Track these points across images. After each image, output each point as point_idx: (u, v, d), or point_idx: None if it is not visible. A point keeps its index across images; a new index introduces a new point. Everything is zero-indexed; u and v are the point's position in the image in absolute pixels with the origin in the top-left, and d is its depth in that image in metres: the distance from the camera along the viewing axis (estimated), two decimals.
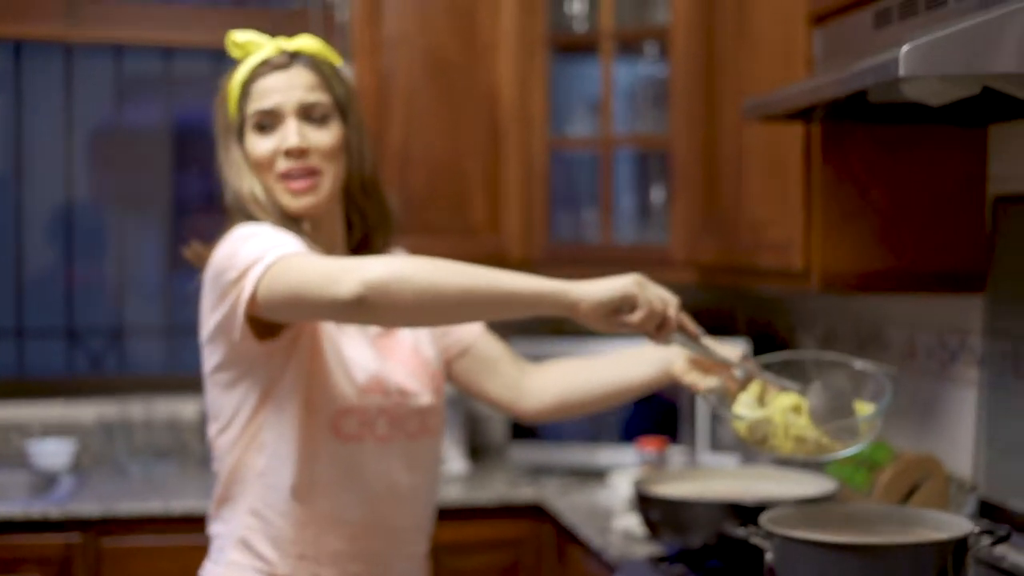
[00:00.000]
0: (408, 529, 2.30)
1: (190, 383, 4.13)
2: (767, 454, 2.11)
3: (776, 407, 2.09)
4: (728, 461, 3.46)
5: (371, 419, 2.21)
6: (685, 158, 3.59)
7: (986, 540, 1.94)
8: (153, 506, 3.44)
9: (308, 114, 2.20)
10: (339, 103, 2.25)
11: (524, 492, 3.61)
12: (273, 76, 2.20)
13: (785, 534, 1.96)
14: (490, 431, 4.18)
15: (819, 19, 2.68)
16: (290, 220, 2.20)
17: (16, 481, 3.85)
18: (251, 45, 2.25)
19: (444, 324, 2.15)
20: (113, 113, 4.34)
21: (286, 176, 2.19)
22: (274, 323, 2.09)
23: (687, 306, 4.21)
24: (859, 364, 2.15)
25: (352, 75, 3.89)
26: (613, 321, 1.92)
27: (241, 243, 2.07)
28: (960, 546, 1.90)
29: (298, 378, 2.15)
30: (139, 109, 4.39)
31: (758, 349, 3.73)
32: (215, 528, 2.29)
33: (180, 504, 3.45)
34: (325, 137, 2.21)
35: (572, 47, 3.98)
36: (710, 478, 2.67)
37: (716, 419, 3.55)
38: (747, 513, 2.28)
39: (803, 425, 2.04)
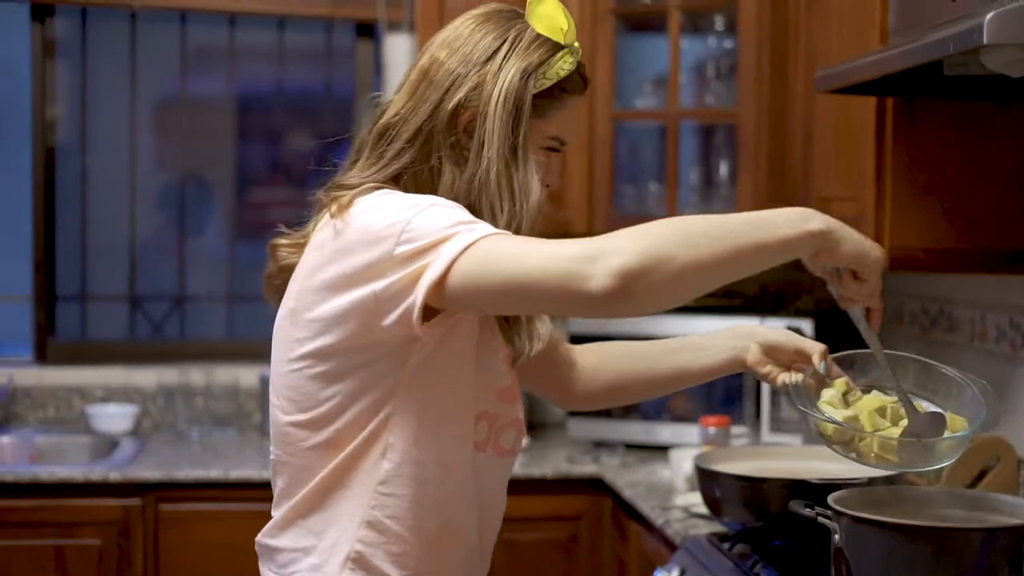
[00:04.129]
0: (492, 548, 2.00)
1: (251, 350, 4.16)
2: (850, 458, 1.93)
3: (862, 407, 1.93)
4: (792, 442, 3.41)
5: (498, 429, 1.90)
6: (752, 131, 3.54)
7: None
8: (212, 472, 3.45)
9: None
10: None
11: (584, 467, 3.58)
12: (578, 100, 1.90)
13: (853, 514, 1.91)
14: (548, 406, 4.14)
15: None
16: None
17: (77, 444, 3.88)
18: (570, 33, 1.88)
19: (687, 301, 1.77)
20: (178, 82, 4.35)
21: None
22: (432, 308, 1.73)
23: (752, 281, 4.19)
24: (946, 370, 1.98)
25: (415, 45, 3.86)
26: (834, 275, 1.78)
27: (413, 211, 1.70)
28: None
29: (444, 372, 1.80)
30: (204, 79, 4.39)
31: (821, 326, 3.67)
32: (285, 540, 1.86)
33: (238, 471, 3.46)
34: None
35: (639, 20, 3.93)
36: (772, 456, 2.62)
37: (780, 401, 3.49)
38: (812, 492, 2.22)
39: (890, 431, 1.89)
